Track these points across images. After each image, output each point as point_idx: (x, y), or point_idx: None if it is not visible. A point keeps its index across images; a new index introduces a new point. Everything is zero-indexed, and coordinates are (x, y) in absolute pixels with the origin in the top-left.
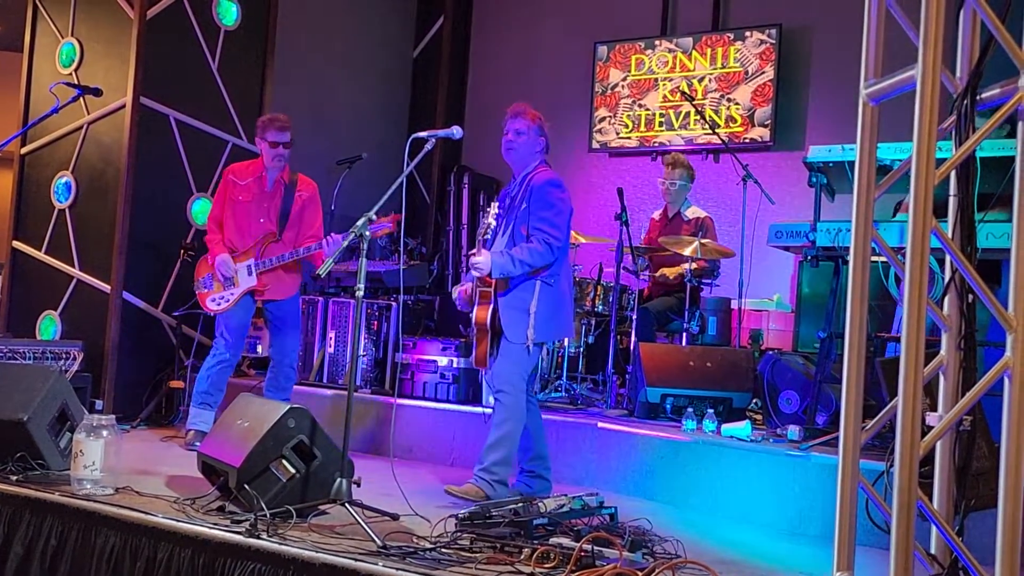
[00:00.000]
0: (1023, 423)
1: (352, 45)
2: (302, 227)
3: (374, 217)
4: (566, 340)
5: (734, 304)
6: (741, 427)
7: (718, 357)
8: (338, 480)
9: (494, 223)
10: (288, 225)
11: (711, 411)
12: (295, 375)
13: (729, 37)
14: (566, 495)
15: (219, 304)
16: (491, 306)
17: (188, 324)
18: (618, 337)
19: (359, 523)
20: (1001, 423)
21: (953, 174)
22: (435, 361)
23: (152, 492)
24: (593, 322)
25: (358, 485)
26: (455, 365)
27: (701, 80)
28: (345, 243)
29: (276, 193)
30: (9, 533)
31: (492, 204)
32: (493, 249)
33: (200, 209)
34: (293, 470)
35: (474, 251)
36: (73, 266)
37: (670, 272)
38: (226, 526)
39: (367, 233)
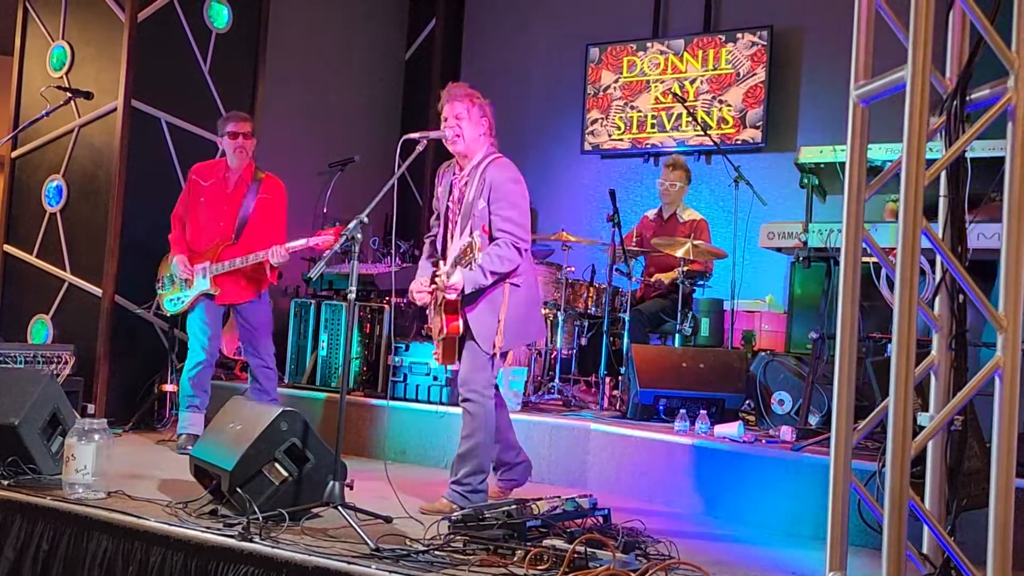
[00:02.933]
0: (1014, 423)
1: (344, 47)
2: (263, 230)
3: (366, 219)
4: (559, 343)
5: (726, 305)
6: (734, 428)
7: (711, 358)
8: (331, 483)
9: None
10: (248, 228)
11: (704, 412)
12: (274, 374)
13: (721, 39)
14: (559, 497)
15: (176, 305)
16: (459, 316)
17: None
18: (611, 339)
19: (352, 526)
20: (992, 423)
21: (943, 175)
22: (427, 363)
23: (144, 496)
24: (586, 324)
25: (351, 488)
26: (439, 361)
27: (693, 82)
28: (337, 246)
29: (237, 194)
30: (0, 538)
31: (437, 188)
32: (451, 249)
33: None
34: (286, 473)
35: (445, 270)
36: (64, 270)
37: (666, 278)
38: (219, 530)
39: (358, 235)
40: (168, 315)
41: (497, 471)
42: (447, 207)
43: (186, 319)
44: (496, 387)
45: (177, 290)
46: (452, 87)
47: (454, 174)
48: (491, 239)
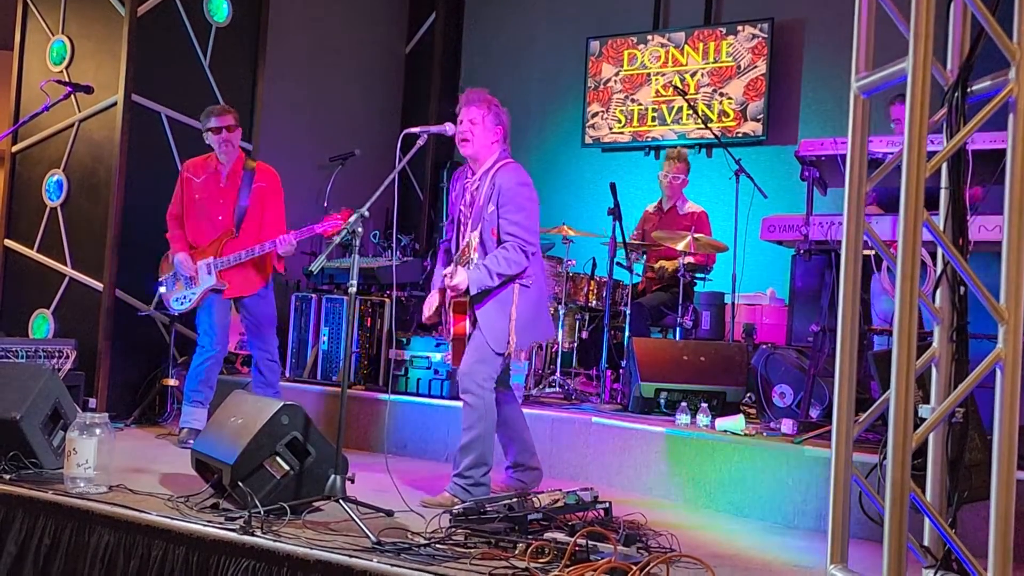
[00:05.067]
0: (1014, 415)
1: (344, 42)
2: (264, 219)
3: (367, 214)
4: (560, 336)
5: (727, 298)
6: (735, 421)
7: (712, 351)
8: (332, 476)
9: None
10: (247, 219)
11: (705, 405)
12: (277, 367)
13: (721, 31)
14: (560, 490)
15: (182, 304)
16: (469, 317)
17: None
18: (612, 332)
19: (353, 519)
20: (993, 415)
21: (944, 167)
22: (428, 357)
23: (146, 490)
24: (587, 317)
25: (352, 481)
26: (448, 361)
27: (693, 75)
28: (337, 239)
29: (231, 187)
30: (2, 532)
31: (450, 193)
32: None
33: None
34: (287, 467)
35: (449, 270)
36: (65, 264)
37: (669, 265)
38: (220, 524)
39: (359, 230)
40: (176, 313)
41: (512, 468)
42: (460, 211)
43: (194, 315)
44: (509, 386)
45: (182, 288)
46: (470, 92)
47: (466, 178)
48: (499, 242)
